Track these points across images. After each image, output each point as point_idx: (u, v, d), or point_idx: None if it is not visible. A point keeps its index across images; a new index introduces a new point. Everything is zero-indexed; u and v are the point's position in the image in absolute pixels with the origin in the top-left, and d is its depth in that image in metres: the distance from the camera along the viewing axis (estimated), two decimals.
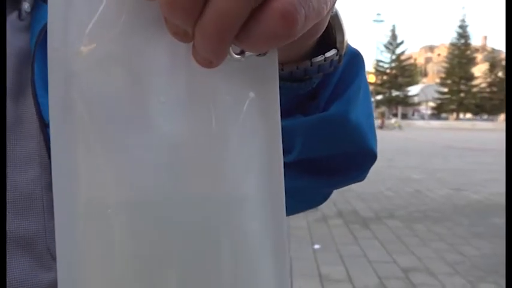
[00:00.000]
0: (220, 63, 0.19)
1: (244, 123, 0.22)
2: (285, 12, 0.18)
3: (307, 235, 3.71)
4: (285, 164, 0.23)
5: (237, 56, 0.20)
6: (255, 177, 0.22)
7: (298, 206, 0.45)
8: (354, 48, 0.37)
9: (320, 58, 0.31)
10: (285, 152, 0.24)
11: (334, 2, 0.21)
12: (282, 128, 0.23)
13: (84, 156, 0.20)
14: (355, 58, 0.37)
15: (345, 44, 0.32)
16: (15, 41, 0.38)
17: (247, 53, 0.21)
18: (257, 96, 0.22)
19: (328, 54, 0.31)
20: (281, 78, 0.29)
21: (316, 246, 3.43)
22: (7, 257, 0.34)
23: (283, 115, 0.23)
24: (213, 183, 0.21)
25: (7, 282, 0.33)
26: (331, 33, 0.30)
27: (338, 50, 0.31)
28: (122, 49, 0.20)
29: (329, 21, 0.28)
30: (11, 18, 0.38)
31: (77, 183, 0.20)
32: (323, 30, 0.24)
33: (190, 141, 0.21)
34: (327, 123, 0.36)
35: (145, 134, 0.20)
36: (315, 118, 0.35)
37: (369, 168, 0.42)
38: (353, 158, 0.40)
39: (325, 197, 0.46)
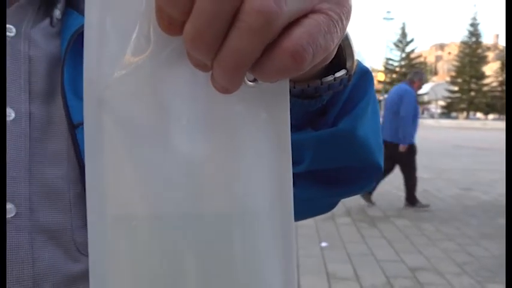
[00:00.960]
0: (236, 90, 0.21)
1: (257, 142, 0.23)
2: (294, 52, 0.20)
3: (315, 233, 3.71)
4: (295, 174, 0.25)
5: (250, 83, 0.22)
6: (266, 193, 0.24)
7: (306, 213, 0.47)
8: (364, 66, 0.39)
9: (330, 78, 0.32)
10: (295, 163, 0.25)
11: (342, 37, 0.22)
12: (292, 141, 0.24)
13: (113, 174, 0.22)
14: (364, 76, 0.38)
15: (355, 65, 0.33)
16: (47, 46, 0.40)
17: (260, 81, 0.22)
18: (269, 116, 0.24)
19: (338, 75, 0.32)
20: (292, 95, 0.30)
21: (324, 244, 3.43)
22: (37, 246, 0.36)
23: (295, 129, 0.25)
24: (227, 200, 0.23)
25: (37, 270, 0.36)
26: (341, 54, 0.32)
27: (347, 71, 0.32)
28: (148, 78, 0.22)
29: (340, 44, 0.29)
30: (44, 25, 0.41)
31: (106, 197, 0.22)
32: (332, 57, 0.26)
33: (208, 160, 0.23)
34: (335, 138, 0.37)
35: (168, 153, 0.22)
36: (324, 133, 0.37)
37: (375, 180, 0.44)
38: (360, 171, 0.42)
39: (332, 205, 0.48)
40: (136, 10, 0.22)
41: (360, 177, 0.43)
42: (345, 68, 0.32)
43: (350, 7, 0.22)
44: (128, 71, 0.22)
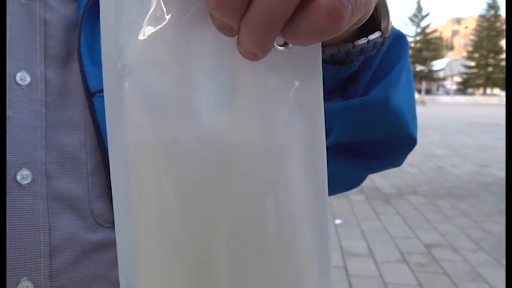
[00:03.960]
0: (264, 56, 0.19)
1: (288, 112, 0.22)
2: (332, 9, 0.17)
3: (329, 210, 3.72)
4: None
5: (280, 48, 0.20)
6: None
7: (332, 188, 0.45)
8: (398, 30, 0.36)
9: (363, 41, 0.29)
10: None
11: None
12: None
13: (135, 138, 0.22)
14: (398, 40, 0.36)
15: (390, 27, 0.30)
16: (63, 11, 0.39)
17: (290, 45, 0.20)
18: (300, 84, 0.22)
19: (371, 37, 0.29)
20: (322, 61, 0.28)
21: (338, 221, 3.44)
22: (53, 214, 0.35)
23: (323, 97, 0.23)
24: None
25: (54, 238, 0.35)
26: (375, 15, 0.29)
27: (382, 33, 0.29)
28: (169, 46, 0.21)
29: None
30: None
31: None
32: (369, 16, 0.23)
33: (235, 123, 0.22)
34: (366, 108, 0.35)
35: (192, 121, 0.21)
36: (354, 102, 0.34)
37: (407, 154, 0.41)
38: (391, 144, 0.39)
39: (360, 180, 0.46)
40: None
41: (392, 150, 0.40)
42: (379, 30, 0.29)
43: None
44: (148, 39, 0.21)
